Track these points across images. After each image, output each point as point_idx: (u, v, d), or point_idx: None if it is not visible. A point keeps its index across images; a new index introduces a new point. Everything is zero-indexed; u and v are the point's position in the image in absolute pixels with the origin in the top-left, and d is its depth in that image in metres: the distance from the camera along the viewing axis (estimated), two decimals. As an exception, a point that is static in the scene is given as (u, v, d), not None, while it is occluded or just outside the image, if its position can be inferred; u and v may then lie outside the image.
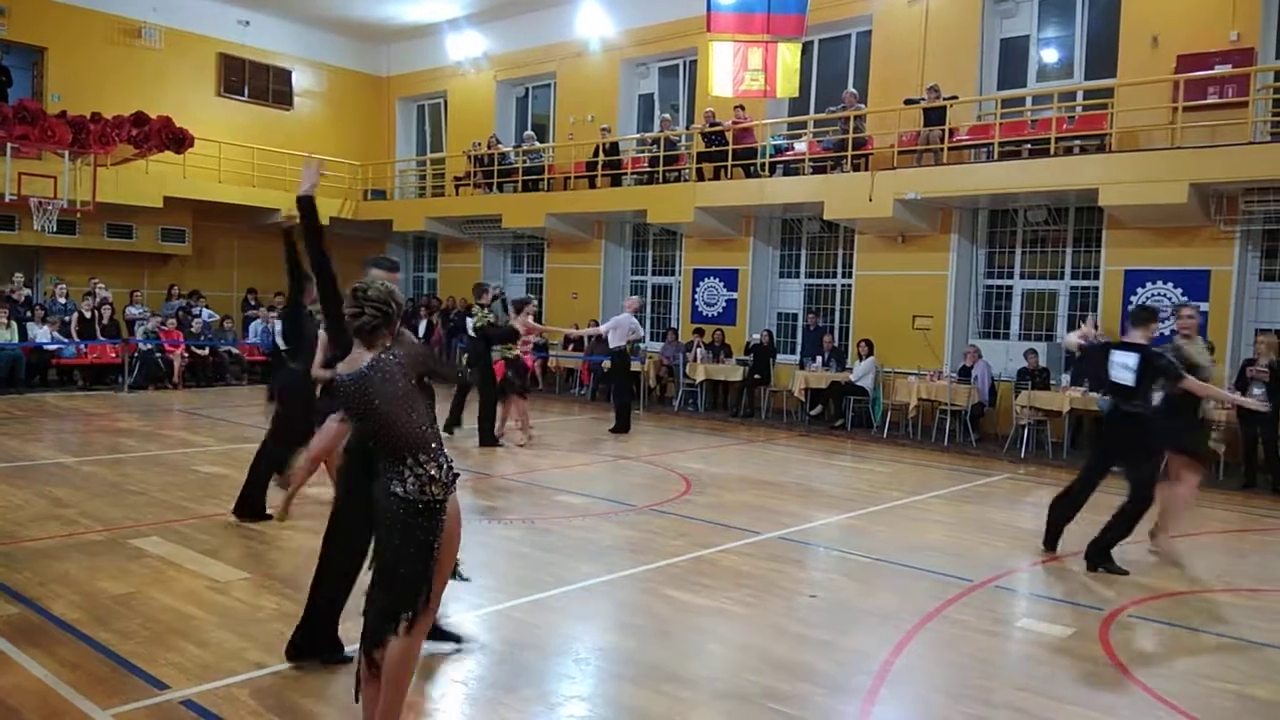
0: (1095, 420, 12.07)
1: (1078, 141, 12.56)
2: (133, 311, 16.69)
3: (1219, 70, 11.68)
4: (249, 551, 6.28)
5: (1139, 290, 12.41)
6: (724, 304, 16.43)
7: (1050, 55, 14.12)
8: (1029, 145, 12.83)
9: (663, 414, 15.18)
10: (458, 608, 5.40)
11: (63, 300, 16.06)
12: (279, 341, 7.08)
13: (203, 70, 19.56)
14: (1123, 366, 6.53)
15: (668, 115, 17.15)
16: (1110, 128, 12.28)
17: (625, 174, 17.25)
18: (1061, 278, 13.58)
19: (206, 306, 17.92)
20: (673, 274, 17.88)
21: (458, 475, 3.50)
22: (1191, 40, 12.05)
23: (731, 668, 4.63)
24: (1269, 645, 5.24)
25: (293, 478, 6.99)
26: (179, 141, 16.79)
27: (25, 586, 5.34)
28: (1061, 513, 7.02)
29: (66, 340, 15.38)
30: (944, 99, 13.36)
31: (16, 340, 14.72)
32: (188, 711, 3.86)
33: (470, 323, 11.22)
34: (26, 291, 15.99)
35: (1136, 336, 6.68)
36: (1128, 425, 6.53)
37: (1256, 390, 10.01)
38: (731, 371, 15.13)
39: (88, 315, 15.66)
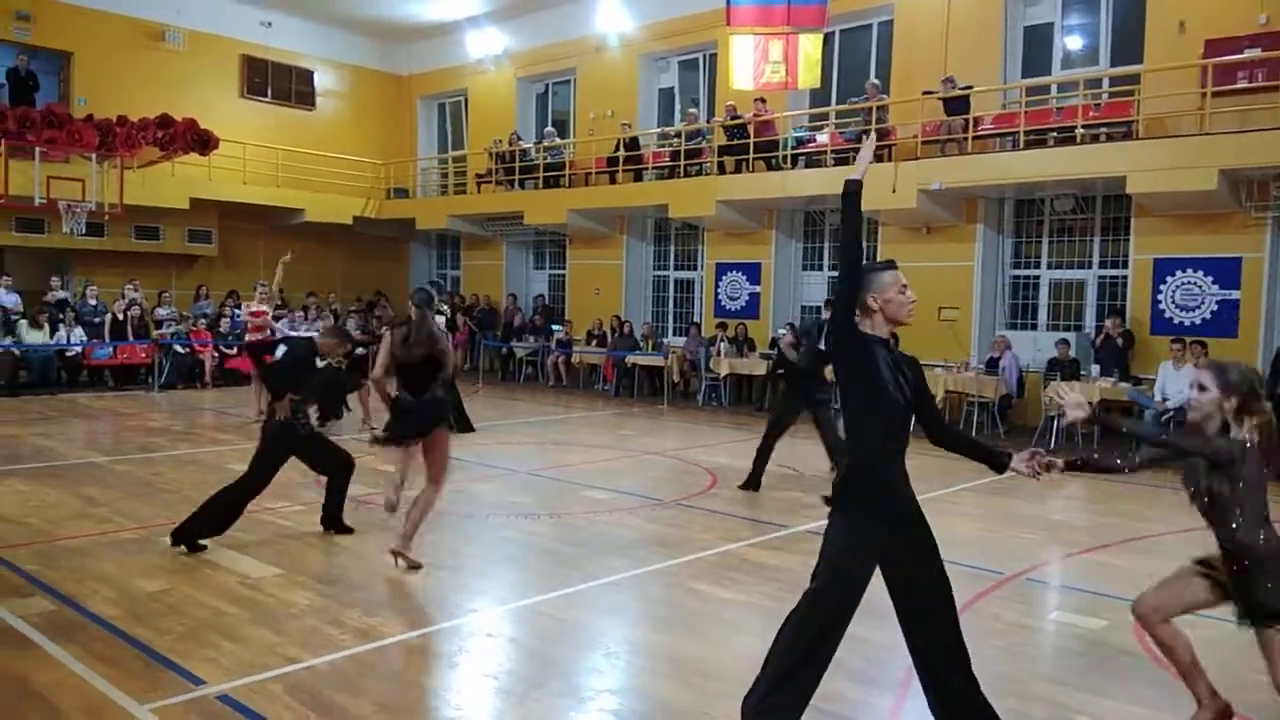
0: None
1: (1104, 129, 12.41)
2: (161, 313, 16.87)
3: (1248, 54, 11.49)
4: (280, 549, 6.33)
5: (1169, 279, 12.26)
6: (747, 298, 16.38)
7: (1075, 42, 13.95)
8: (1055, 133, 12.69)
9: (687, 409, 15.16)
10: (484, 602, 5.43)
11: (93, 302, 16.25)
12: None
13: (226, 72, 19.72)
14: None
15: (694, 110, 17.08)
16: (1137, 114, 12.11)
17: (646, 169, 17.23)
18: (1089, 267, 13.43)
19: (237, 307, 18.08)
20: (695, 268, 17.84)
21: None
22: (1219, 24, 11.87)
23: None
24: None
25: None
26: (204, 143, 16.94)
27: (62, 583, 5.42)
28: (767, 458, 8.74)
29: (99, 342, 15.58)
30: (960, 89, 13.25)
31: (50, 341, 14.95)
32: (224, 706, 3.90)
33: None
34: (62, 294, 16.20)
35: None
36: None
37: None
38: (755, 366, 15.07)
39: (120, 317, 15.85)
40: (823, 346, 8.58)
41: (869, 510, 3.40)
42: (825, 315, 9.09)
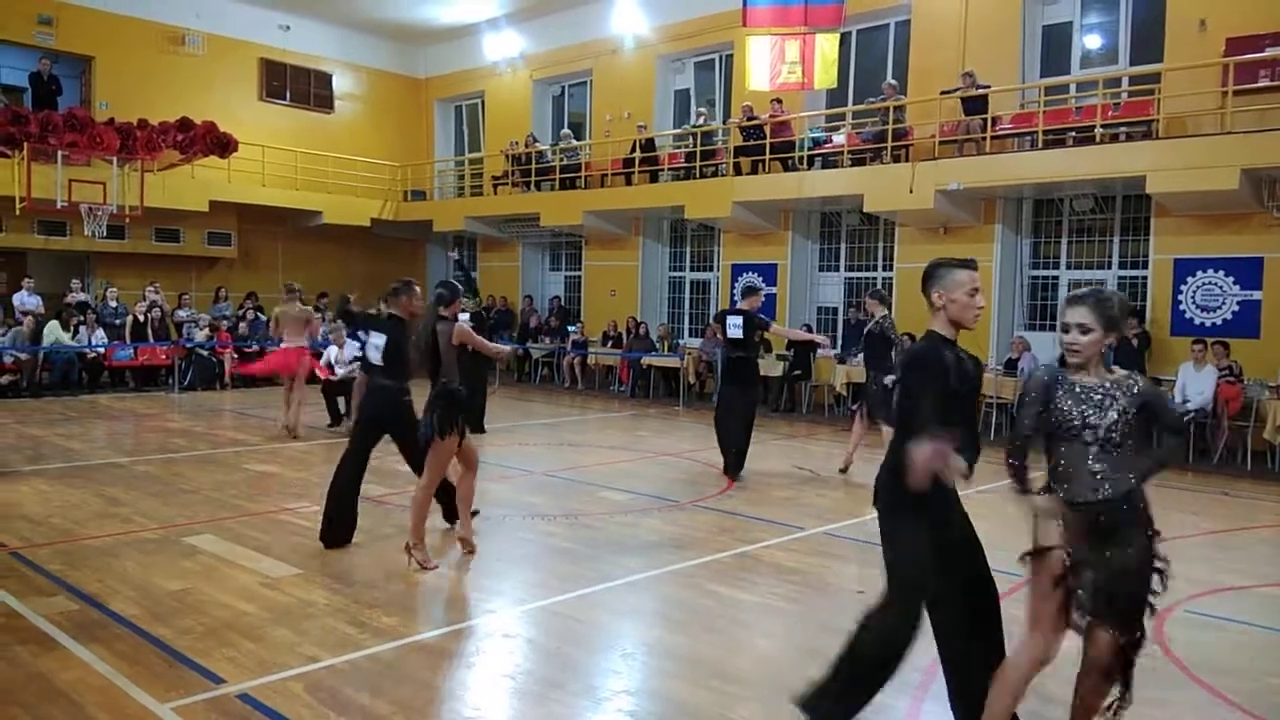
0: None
1: (1124, 128, 12.33)
2: (181, 314, 17.02)
3: (1270, 53, 11.39)
4: (300, 548, 6.37)
5: (1189, 279, 12.16)
6: (763, 299, 16.33)
7: (1094, 41, 13.86)
8: (1074, 133, 12.61)
9: (703, 410, 15.13)
10: (501, 602, 5.45)
11: (114, 304, 16.41)
12: (372, 357, 6.47)
13: (245, 75, 19.87)
14: (733, 325, 9.06)
15: (704, 110, 17.09)
16: (1157, 114, 12.03)
17: (662, 170, 17.24)
18: (1109, 267, 13.35)
19: (257, 309, 18.21)
20: (711, 269, 17.84)
21: None
22: (1241, 22, 11.77)
23: (778, 663, 4.61)
24: (1331, 641, 5.10)
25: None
26: (223, 146, 17.10)
27: (85, 583, 5.48)
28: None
29: (119, 343, 15.72)
30: (979, 86, 13.18)
31: (73, 342, 15.11)
32: (244, 705, 3.93)
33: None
34: (82, 297, 16.37)
35: (744, 305, 9.18)
36: (745, 366, 9.32)
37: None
38: (772, 366, 15.03)
39: (140, 319, 16.00)
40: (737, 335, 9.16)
41: (935, 514, 3.33)
42: (741, 304, 9.30)
